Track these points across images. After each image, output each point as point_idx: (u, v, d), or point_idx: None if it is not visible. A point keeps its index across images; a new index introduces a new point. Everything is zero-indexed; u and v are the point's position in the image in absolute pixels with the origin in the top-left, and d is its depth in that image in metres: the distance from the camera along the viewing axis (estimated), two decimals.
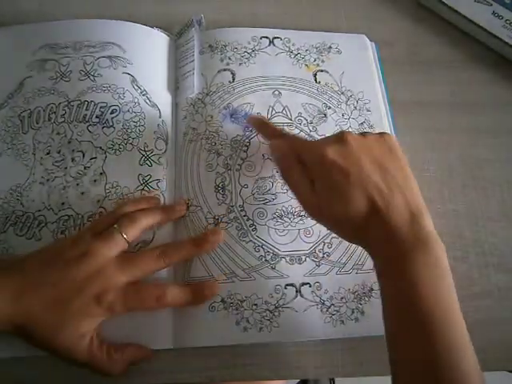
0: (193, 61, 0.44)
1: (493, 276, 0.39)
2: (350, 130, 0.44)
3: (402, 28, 0.50)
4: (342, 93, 0.45)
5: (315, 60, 0.46)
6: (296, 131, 0.43)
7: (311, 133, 0.43)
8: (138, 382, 0.35)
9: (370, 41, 0.49)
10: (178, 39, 0.46)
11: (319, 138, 0.43)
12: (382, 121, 0.45)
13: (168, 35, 0.46)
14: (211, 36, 0.46)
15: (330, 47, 0.47)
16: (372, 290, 0.39)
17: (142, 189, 0.39)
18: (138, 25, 0.44)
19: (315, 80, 0.46)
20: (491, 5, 0.43)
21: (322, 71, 0.46)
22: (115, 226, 0.34)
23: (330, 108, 0.45)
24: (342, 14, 0.51)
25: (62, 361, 0.32)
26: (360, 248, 0.40)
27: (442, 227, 0.36)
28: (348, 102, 0.45)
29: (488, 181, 0.42)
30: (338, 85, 0.46)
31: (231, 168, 0.41)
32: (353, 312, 0.38)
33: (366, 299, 0.39)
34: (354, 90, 0.46)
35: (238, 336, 0.36)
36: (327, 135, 0.41)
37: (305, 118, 0.44)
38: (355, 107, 0.45)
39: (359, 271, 0.39)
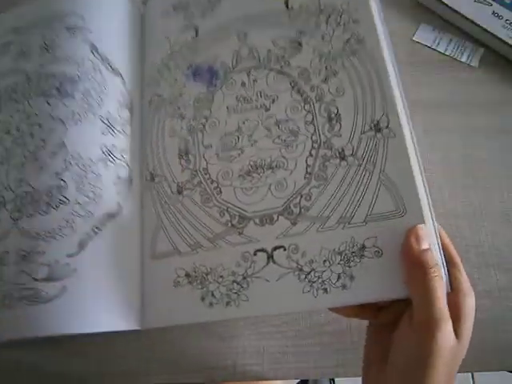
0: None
1: (493, 276, 0.38)
2: (332, 52, 0.35)
3: (401, 28, 0.47)
4: (321, 11, 0.37)
5: None
6: (265, 73, 0.37)
7: (283, 68, 0.36)
8: (138, 382, 0.36)
9: None
10: (145, 4, 0.44)
11: (293, 72, 0.36)
12: (376, 30, 0.34)
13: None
14: None
15: None
16: (364, 247, 0.30)
17: (105, 158, 0.37)
18: None
19: (286, 6, 0.38)
20: (491, 5, 0.42)
21: None
22: None
23: (305, 34, 0.36)
24: None
25: None
26: (348, 196, 0.31)
27: (442, 227, 0.31)
28: (329, 20, 0.36)
29: (488, 181, 0.41)
30: (316, 3, 0.37)
31: (195, 130, 0.37)
32: (339, 277, 0.30)
33: (357, 260, 0.30)
34: (337, 2, 0.36)
35: (203, 313, 0.32)
36: (305, 67, 0.35)
37: (275, 55, 0.37)
38: (338, 23, 0.36)
39: (347, 225, 0.31)
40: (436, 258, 0.28)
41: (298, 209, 0.32)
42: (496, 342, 0.36)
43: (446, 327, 0.26)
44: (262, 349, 0.37)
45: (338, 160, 0.32)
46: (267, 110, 0.35)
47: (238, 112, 0.36)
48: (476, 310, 0.32)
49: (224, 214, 0.34)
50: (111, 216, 0.35)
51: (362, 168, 0.32)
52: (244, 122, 0.36)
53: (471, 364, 0.34)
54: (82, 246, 0.34)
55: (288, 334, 0.37)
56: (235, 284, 0.32)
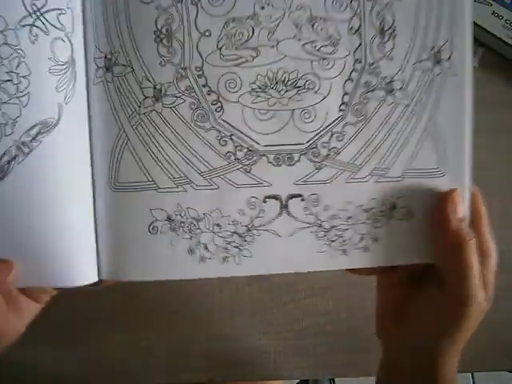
0: None
1: None
2: None
3: None
4: None
5: None
6: None
7: None
8: (138, 382, 0.36)
9: None
10: None
11: None
12: None
13: None
14: None
15: None
16: (394, 207, 0.26)
17: (33, 23, 0.22)
18: None
19: None
20: (491, 5, 0.42)
21: None
22: None
23: None
24: None
25: None
26: (388, 143, 0.26)
27: None
28: None
29: (488, 181, 0.39)
30: None
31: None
32: (362, 238, 0.26)
33: (385, 221, 0.26)
34: None
35: (191, 268, 0.25)
36: None
37: None
38: None
39: (381, 179, 0.26)
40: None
41: (327, 150, 0.25)
42: (496, 342, 0.37)
43: (481, 296, 0.26)
44: (263, 349, 0.37)
45: (383, 93, 0.25)
46: None
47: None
48: None
49: (226, 142, 0.25)
50: (47, 126, 0.22)
51: (409, 109, 0.25)
52: (263, 7, 0.24)
53: (471, 364, 0.36)
54: (1, 172, 0.21)
55: (288, 334, 0.37)
56: (236, 236, 0.25)
